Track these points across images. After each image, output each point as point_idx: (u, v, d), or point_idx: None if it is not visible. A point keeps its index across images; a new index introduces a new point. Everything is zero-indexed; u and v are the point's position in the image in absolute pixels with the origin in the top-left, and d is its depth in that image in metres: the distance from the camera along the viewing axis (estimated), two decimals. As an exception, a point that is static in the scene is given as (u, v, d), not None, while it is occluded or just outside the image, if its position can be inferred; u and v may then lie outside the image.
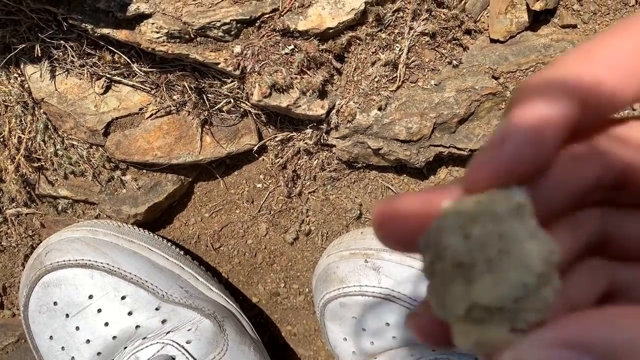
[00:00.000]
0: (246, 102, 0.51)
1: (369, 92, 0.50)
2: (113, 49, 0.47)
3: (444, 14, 0.48)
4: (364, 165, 0.55)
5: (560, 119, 0.16)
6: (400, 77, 0.49)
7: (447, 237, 0.16)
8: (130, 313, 0.50)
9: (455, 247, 0.16)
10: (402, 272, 0.50)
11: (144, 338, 0.50)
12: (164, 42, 0.45)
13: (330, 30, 0.46)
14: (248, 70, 0.47)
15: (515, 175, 0.17)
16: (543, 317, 0.15)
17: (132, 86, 0.50)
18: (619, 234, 0.21)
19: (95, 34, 0.46)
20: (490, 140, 0.17)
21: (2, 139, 0.52)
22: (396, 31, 0.48)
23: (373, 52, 0.48)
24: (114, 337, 0.50)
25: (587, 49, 0.17)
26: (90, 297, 0.50)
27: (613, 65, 0.17)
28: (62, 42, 0.47)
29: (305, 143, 0.53)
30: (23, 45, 0.47)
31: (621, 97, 0.17)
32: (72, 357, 0.50)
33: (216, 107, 0.52)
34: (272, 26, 0.46)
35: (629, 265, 0.22)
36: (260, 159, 0.57)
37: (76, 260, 0.50)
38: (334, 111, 0.50)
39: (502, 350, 0.15)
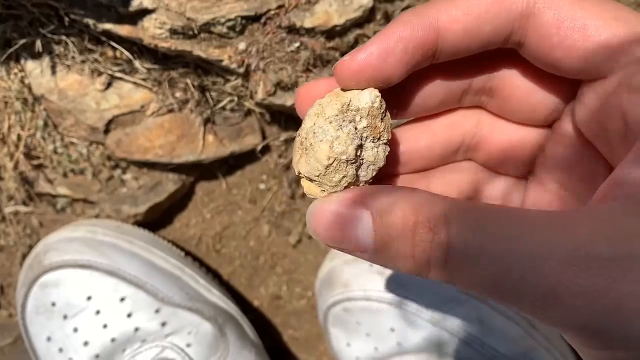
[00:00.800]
0: (250, 101, 0.50)
1: (376, 92, 0.48)
2: (115, 45, 0.46)
3: (453, 12, 0.47)
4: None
5: (410, 40, 0.23)
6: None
7: (305, 119, 0.24)
8: (129, 315, 0.49)
9: (303, 128, 0.24)
10: (407, 276, 0.49)
11: (143, 341, 0.49)
12: (166, 38, 0.44)
13: (337, 28, 0.45)
14: (252, 68, 0.46)
15: (365, 77, 0.23)
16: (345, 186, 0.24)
17: (134, 83, 0.49)
18: (490, 141, 0.28)
19: (97, 30, 0.45)
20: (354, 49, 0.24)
21: (1, 136, 0.51)
22: (404, 29, 0.47)
23: (380, 51, 0.47)
24: (113, 340, 0.49)
25: None
26: (89, 298, 0.49)
27: (468, 10, 0.23)
28: (63, 37, 0.46)
29: (310, 143, 0.52)
30: (24, 41, 0.46)
31: (475, 36, 0.23)
32: (70, 359, 0.49)
33: (219, 106, 0.51)
34: (277, 23, 0.45)
35: (495, 177, 0.29)
36: (264, 159, 0.56)
37: (75, 260, 0.49)
38: (339, 111, 0.49)
39: (317, 198, 0.24)
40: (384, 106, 0.24)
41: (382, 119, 0.24)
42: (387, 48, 0.23)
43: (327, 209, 0.22)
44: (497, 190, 0.29)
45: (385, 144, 0.25)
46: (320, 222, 0.22)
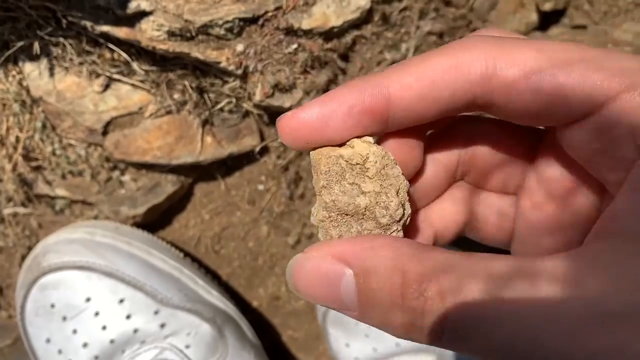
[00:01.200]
0: (248, 102, 0.50)
1: (374, 93, 0.48)
2: (112, 47, 0.46)
3: (451, 13, 0.47)
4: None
5: (354, 105, 0.22)
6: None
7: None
8: (128, 316, 0.49)
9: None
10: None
11: (142, 342, 0.49)
12: (164, 40, 0.44)
13: (335, 29, 0.45)
14: (250, 70, 0.46)
15: (304, 137, 0.23)
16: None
17: (132, 85, 0.49)
18: (481, 155, 0.27)
19: (95, 32, 0.45)
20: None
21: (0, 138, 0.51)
22: (403, 30, 0.47)
23: (379, 52, 0.47)
24: (112, 341, 0.49)
25: (406, 62, 0.23)
26: (88, 299, 0.49)
27: (421, 77, 0.22)
28: (61, 39, 0.46)
29: (308, 144, 0.52)
30: (22, 43, 0.46)
31: (432, 102, 0.23)
32: (69, 360, 0.49)
33: (217, 107, 0.51)
34: (275, 24, 0.45)
35: (487, 196, 0.29)
36: (262, 160, 0.56)
37: (74, 262, 0.49)
38: (337, 112, 0.49)
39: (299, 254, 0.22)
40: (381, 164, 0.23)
41: (381, 179, 0.23)
42: (329, 111, 0.22)
43: (308, 266, 0.21)
44: (490, 210, 0.29)
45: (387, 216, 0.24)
46: (301, 279, 0.21)
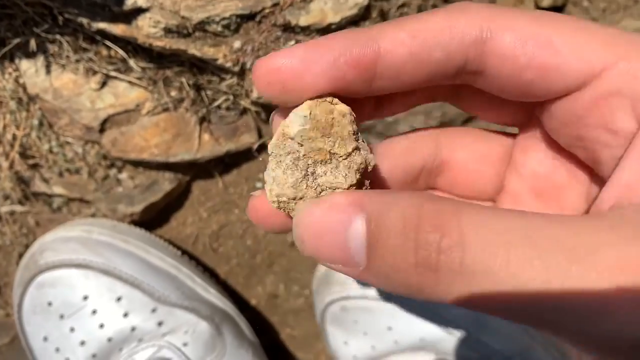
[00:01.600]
0: (245, 99, 0.50)
1: (372, 90, 0.48)
2: (109, 44, 0.46)
3: (449, 10, 0.47)
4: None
5: (341, 54, 0.21)
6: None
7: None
8: (125, 314, 0.49)
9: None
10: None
11: (140, 340, 0.49)
12: (161, 37, 0.44)
13: (333, 26, 0.44)
14: (248, 67, 0.46)
15: (282, 80, 0.21)
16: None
17: (129, 82, 0.49)
18: (453, 160, 0.26)
19: (91, 29, 0.45)
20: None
21: (-4, 136, 0.51)
22: (400, 27, 0.47)
23: (376, 49, 0.47)
24: (109, 339, 0.49)
25: (401, 19, 0.22)
26: (85, 297, 0.49)
27: (415, 34, 0.21)
28: (57, 36, 0.46)
29: (306, 142, 0.52)
30: (18, 40, 0.46)
31: (423, 62, 0.21)
32: (67, 359, 0.49)
33: (215, 104, 0.50)
34: (272, 21, 0.44)
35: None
36: (260, 157, 0.56)
37: (71, 260, 0.49)
38: (335, 109, 0.49)
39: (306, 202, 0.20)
40: (326, 121, 0.22)
41: (326, 135, 0.21)
42: (314, 56, 0.21)
43: (314, 214, 0.19)
44: None
45: (345, 158, 0.22)
46: (308, 228, 0.19)
